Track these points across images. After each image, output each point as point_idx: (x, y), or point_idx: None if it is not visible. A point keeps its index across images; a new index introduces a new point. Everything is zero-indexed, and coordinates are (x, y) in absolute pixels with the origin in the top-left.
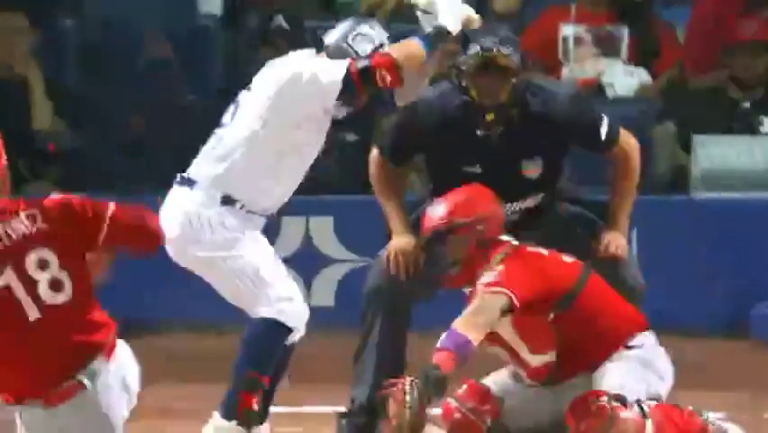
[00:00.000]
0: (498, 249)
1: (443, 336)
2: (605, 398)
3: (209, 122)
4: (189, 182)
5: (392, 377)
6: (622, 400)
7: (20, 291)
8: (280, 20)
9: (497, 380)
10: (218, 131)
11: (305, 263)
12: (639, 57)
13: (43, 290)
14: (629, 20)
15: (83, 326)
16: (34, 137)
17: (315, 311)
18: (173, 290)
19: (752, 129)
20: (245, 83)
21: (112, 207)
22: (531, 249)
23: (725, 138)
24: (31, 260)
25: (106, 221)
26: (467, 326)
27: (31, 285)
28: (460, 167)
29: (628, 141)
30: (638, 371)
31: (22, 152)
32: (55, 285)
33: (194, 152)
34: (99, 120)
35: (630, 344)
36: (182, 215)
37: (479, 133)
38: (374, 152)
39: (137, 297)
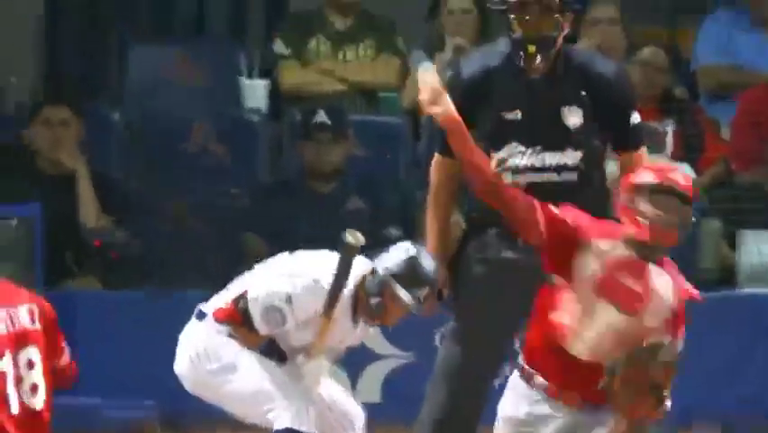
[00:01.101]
0: None
1: None
2: None
3: (253, 216)
4: (201, 315)
5: None
6: None
7: (10, 381)
8: (322, 114)
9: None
10: (239, 277)
11: (351, 359)
12: (684, 153)
13: (26, 389)
14: (674, 116)
15: None
16: (80, 231)
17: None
18: None
19: None
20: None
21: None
22: None
23: None
24: (22, 356)
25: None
26: None
27: (18, 380)
28: (500, 115)
29: (647, 155)
30: None
31: (69, 245)
32: (34, 389)
33: (238, 246)
34: (144, 213)
35: None
36: (189, 348)
37: (520, 77)
38: (435, 158)
39: (182, 392)
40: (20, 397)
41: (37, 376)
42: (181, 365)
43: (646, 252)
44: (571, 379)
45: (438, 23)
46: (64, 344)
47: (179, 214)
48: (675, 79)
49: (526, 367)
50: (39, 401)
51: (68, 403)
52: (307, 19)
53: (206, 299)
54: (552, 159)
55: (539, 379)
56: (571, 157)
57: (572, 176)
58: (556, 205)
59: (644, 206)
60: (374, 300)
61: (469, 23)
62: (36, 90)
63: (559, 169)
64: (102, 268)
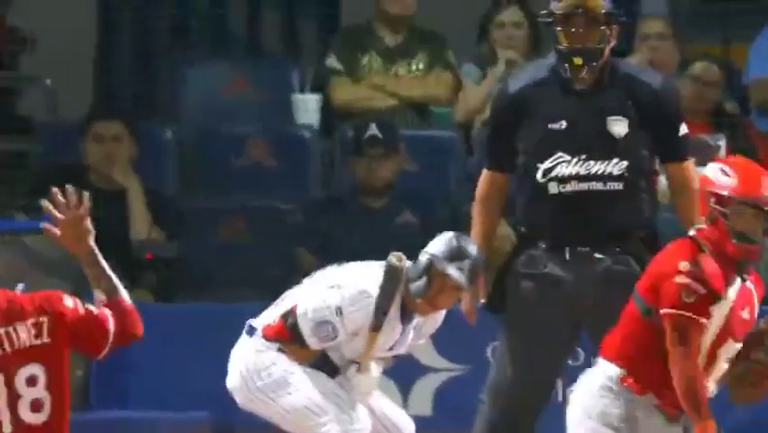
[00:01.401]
0: None
1: None
2: None
3: (305, 231)
4: (251, 330)
5: None
6: None
7: (2, 402)
8: (374, 129)
9: None
10: (288, 292)
11: (402, 372)
12: None
13: (24, 407)
14: (725, 130)
15: None
16: (131, 245)
17: (412, 420)
18: None
19: None
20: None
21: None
22: None
23: None
24: (22, 374)
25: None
26: None
27: (13, 399)
28: (546, 125)
29: (694, 166)
30: None
31: (120, 259)
32: (36, 405)
33: (290, 258)
34: (197, 228)
35: None
36: (239, 363)
37: (566, 88)
38: (483, 172)
39: (234, 404)
40: (15, 415)
41: (39, 392)
42: (233, 381)
43: (740, 269)
44: (668, 387)
45: (489, 37)
46: (108, 325)
47: (232, 229)
48: (727, 94)
49: (623, 373)
50: (42, 416)
51: (121, 416)
52: (359, 35)
53: (259, 312)
54: (597, 168)
55: (636, 387)
56: (617, 166)
57: (618, 185)
58: (600, 214)
59: (740, 220)
60: (419, 283)
61: (520, 36)
62: (90, 108)
63: (604, 178)
64: (154, 281)
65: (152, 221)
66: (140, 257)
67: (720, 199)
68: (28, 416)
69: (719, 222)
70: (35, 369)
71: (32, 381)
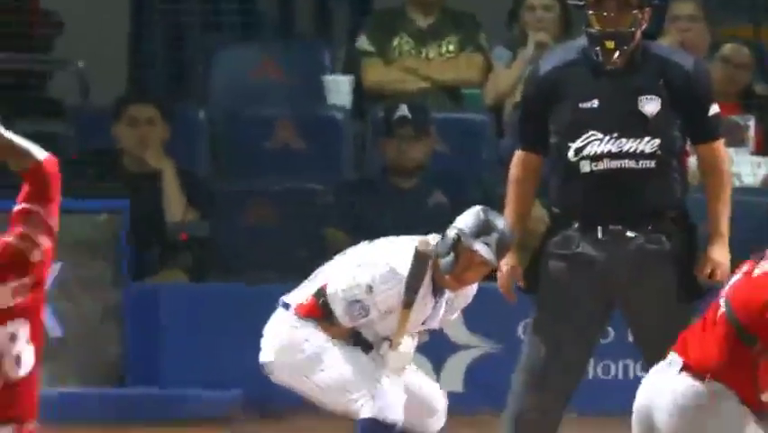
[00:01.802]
0: None
1: None
2: None
3: (336, 212)
4: (285, 306)
5: None
6: None
7: None
8: (404, 110)
9: None
10: (320, 269)
11: (434, 349)
12: (766, 147)
13: (9, 362)
14: (755, 111)
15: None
16: (166, 226)
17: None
18: None
19: None
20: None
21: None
22: None
23: None
24: (2, 333)
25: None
26: None
27: None
28: (577, 104)
29: (724, 147)
30: None
31: (155, 240)
32: (18, 360)
33: (321, 240)
34: (229, 209)
35: None
36: (274, 339)
37: (598, 69)
38: (516, 153)
39: (268, 380)
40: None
41: (21, 345)
42: (267, 357)
43: None
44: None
45: (520, 20)
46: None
47: (261, 211)
48: (756, 75)
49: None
50: (23, 370)
51: (154, 393)
52: (391, 17)
53: (290, 291)
54: (629, 145)
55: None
56: (649, 144)
57: (650, 163)
58: (632, 192)
59: None
60: (448, 259)
61: (551, 19)
62: (123, 91)
63: (637, 156)
64: (189, 261)
65: (187, 202)
66: (175, 238)
67: None
68: (13, 371)
69: None
70: (15, 326)
71: (12, 337)
